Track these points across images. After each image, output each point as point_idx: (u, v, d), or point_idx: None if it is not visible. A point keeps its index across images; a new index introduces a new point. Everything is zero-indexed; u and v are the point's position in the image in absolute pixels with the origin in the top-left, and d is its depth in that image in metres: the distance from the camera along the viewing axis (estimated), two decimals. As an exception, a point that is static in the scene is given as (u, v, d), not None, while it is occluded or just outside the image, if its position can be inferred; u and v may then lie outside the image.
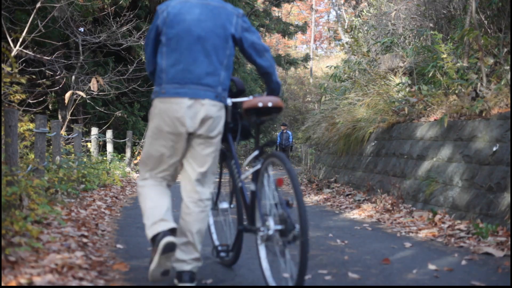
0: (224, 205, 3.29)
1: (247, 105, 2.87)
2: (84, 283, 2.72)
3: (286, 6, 33.06)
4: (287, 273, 2.60)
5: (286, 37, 26.99)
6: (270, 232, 2.62)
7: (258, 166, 2.84)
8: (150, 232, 2.69)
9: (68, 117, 10.49)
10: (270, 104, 2.83)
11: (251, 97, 2.92)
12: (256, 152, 2.90)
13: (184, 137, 2.72)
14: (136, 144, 12.98)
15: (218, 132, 2.81)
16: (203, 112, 2.70)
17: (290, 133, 18.34)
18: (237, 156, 3.11)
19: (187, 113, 2.68)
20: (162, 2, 3.34)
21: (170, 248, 2.59)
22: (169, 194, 2.88)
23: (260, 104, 2.83)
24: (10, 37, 8.53)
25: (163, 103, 2.71)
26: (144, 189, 2.84)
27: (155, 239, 2.64)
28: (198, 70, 2.75)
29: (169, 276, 2.81)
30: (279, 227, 2.59)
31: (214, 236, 3.52)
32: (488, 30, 7.17)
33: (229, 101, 3.03)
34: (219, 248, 3.20)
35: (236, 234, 3.10)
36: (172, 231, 2.67)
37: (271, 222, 2.64)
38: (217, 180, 3.40)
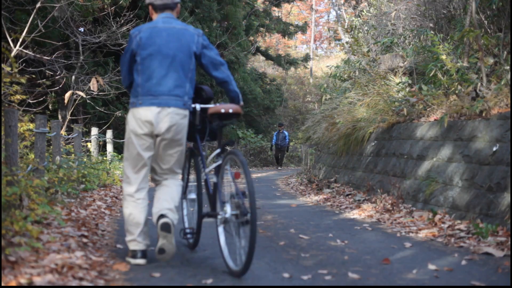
0: (192, 195, 3.83)
1: (212, 111, 3.45)
2: (84, 283, 2.72)
3: (286, 6, 33.05)
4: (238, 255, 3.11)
5: (286, 37, 27.00)
6: (227, 216, 3.17)
7: (220, 162, 3.41)
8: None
9: (68, 117, 10.49)
10: (230, 110, 3.42)
11: (217, 104, 3.47)
12: (218, 150, 3.48)
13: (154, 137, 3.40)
14: (136, 144, 12.96)
15: (182, 137, 3.42)
16: (168, 119, 3.33)
17: (286, 133, 18.40)
18: (203, 153, 3.66)
19: (153, 117, 3.32)
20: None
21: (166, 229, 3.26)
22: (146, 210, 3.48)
23: (223, 110, 3.40)
24: (10, 37, 8.53)
25: (135, 109, 3.37)
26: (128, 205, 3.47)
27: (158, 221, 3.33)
28: (169, 83, 3.36)
29: (169, 276, 2.79)
30: (234, 212, 3.12)
31: (186, 220, 4.12)
32: (488, 30, 7.17)
33: (198, 106, 3.57)
34: (187, 230, 3.79)
35: (197, 219, 3.66)
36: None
37: (228, 208, 3.17)
38: (185, 174, 4.02)
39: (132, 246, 3.38)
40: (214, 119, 3.49)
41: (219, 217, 3.25)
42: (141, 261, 3.35)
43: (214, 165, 3.45)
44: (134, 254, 3.37)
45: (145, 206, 3.44)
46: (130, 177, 3.44)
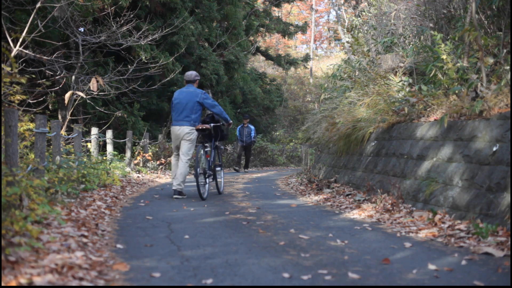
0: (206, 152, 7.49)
1: (206, 126, 7.38)
2: (84, 283, 2.72)
3: (286, 6, 33.06)
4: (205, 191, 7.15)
5: (286, 37, 27.00)
6: (199, 172, 7.11)
7: (207, 149, 7.43)
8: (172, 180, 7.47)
9: (68, 117, 10.49)
10: (211, 125, 7.48)
11: (211, 124, 7.43)
12: (207, 144, 7.46)
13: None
14: (136, 144, 12.98)
15: (191, 139, 7.25)
16: (182, 131, 7.22)
17: (252, 127, 15.61)
18: (206, 146, 7.43)
19: (178, 131, 7.26)
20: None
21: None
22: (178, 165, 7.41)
23: (212, 125, 7.46)
24: (10, 37, 8.53)
25: (172, 127, 7.35)
26: (172, 160, 7.60)
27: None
28: (183, 116, 7.26)
29: (169, 276, 2.78)
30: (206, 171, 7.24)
31: (206, 166, 7.39)
32: (488, 30, 7.17)
33: (211, 125, 7.43)
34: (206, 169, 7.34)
35: (206, 167, 7.37)
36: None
37: (205, 167, 7.28)
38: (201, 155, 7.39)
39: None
40: (207, 130, 7.45)
41: (199, 172, 7.17)
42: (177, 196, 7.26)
43: (209, 149, 7.47)
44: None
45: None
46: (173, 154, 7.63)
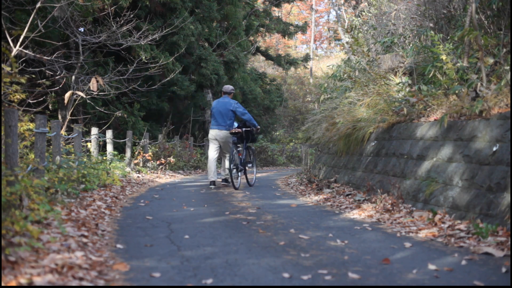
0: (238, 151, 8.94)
1: (238, 130, 8.86)
2: (84, 283, 2.72)
3: (286, 6, 33.06)
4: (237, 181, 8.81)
5: (286, 37, 26.99)
6: (233, 166, 8.68)
7: (239, 148, 9.02)
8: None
9: (68, 117, 10.49)
10: (243, 129, 8.99)
11: (243, 129, 8.95)
12: (239, 145, 9.12)
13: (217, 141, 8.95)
14: (136, 144, 12.98)
15: (227, 140, 8.84)
16: (220, 134, 8.78)
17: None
18: (239, 147, 8.99)
19: (216, 133, 8.81)
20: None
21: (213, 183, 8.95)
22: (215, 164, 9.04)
23: (240, 129, 8.91)
24: (10, 37, 8.52)
25: (210, 130, 8.94)
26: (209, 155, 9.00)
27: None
28: (220, 122, 8.78)
29: (169, 276, 2.78)
30: (238, 166, 8.85)
31: (238, 162, 8.84)
32: (488, 30, 7.16)
33: (243, 129, 8.88)
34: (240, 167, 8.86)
35: (238, 163, 8.85)
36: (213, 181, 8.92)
37: (238, 163, 8.84)
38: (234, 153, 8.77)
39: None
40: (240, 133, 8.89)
41: (233, 166, 8.62)
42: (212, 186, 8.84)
43: (241, 149, 8.97)
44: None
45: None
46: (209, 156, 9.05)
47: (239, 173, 8.87)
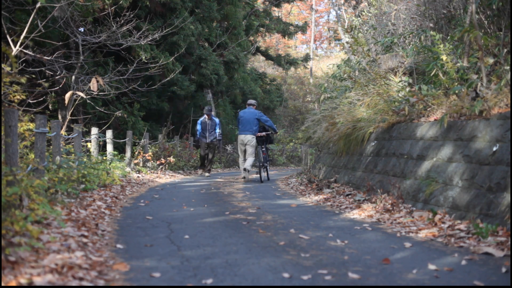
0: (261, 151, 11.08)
1: (263, 134, 11.01)
2: (84, 283, 2.72)
3: (286, 6, 33.05)
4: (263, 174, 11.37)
5: (286, 37, 27.00)
6: (260, 164, 10.97)
7: (263, 149, 11.08)
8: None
9: (68, 117, 10.49)
10: (263, 134, 11.05)
11: (264, 133, 11.01)
12: (262, 145, 11.01)
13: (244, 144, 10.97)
14: (136, 144, 12.98)
15: (253, 143, 10.75)
16: (247, 138, 10.77)
17: (217, 121, 12.56)
18: (263, 147, 11.03)
19: (244, 138, 10.81)
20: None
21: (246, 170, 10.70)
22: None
23: (263, 133, 11.01)
24: (10, 37, 8.52)
25: (239, 135, 10.92)
26: (240, 162, 11.17)
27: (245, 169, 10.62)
28: (247, 128, 10.77)
29: (169, 276, 2.78)
30: (261, 163, 11.08)
31: (263, 160, 11.12)
32: (488, 30, 7.16)
33: (264, 133, 10.92)
34: (265, 164, 11.33)
35: (262, 161, 11.13)
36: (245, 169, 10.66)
37: (262, 161, 11.08)
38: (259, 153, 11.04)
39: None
40: (261, 136, 10.97)
41: (258, 163, 10.98)
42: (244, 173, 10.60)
43: (261, 150, 10.98)
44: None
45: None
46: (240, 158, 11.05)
47: (262, 169, 10.96)
